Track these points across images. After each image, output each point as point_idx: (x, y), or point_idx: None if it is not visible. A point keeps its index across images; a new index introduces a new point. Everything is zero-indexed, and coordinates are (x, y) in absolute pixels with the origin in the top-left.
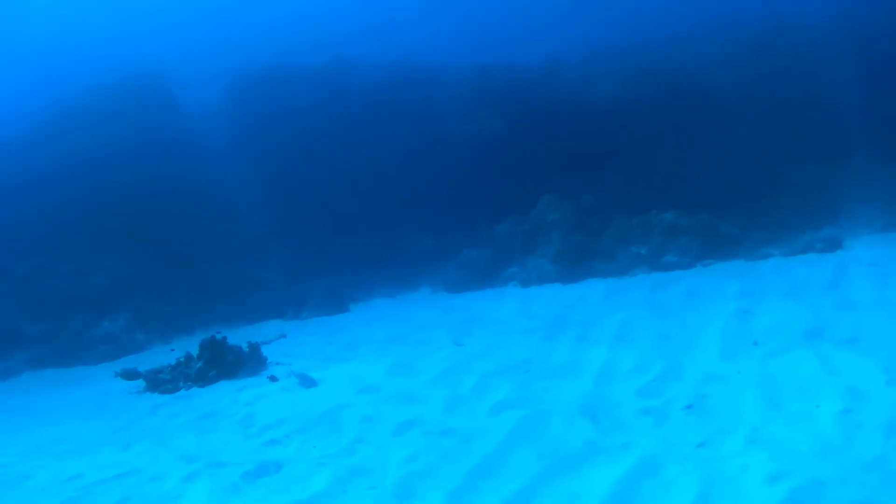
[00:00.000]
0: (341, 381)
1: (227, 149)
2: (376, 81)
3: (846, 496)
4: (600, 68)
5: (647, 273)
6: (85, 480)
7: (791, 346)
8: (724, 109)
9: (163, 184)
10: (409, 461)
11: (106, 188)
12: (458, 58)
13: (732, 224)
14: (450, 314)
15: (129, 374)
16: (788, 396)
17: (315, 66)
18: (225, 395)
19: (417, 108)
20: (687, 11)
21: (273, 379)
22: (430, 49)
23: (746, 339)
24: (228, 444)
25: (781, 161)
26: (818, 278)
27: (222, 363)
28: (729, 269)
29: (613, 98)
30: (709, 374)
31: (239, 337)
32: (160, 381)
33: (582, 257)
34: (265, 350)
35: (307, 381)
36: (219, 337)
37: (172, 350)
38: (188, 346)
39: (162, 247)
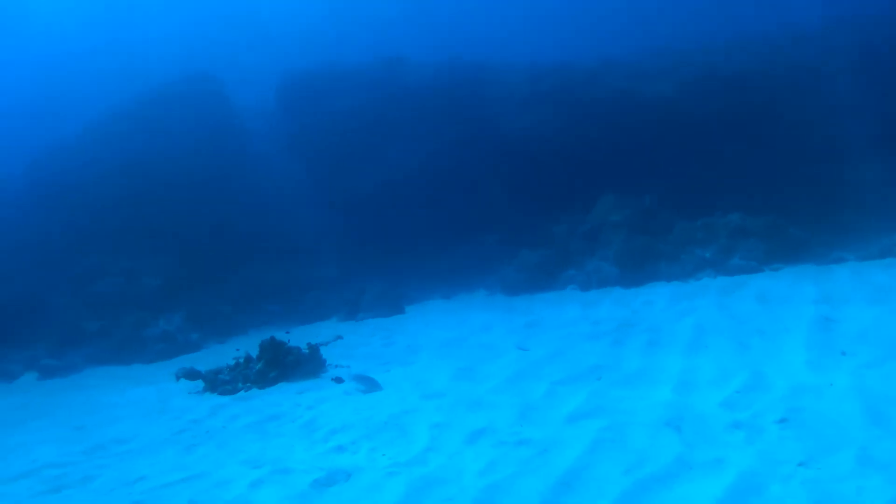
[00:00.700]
0: (404, 386)
1: (279, 148)
2: (429, 80)
3: None
4: (657, 67)
5: (713, 277)
6: (150, 483)
7: (886, 357)
8: (787, 109)
9: (215, 183)
10: (487, 472)
11: (159, 188)
12: (511, 56)
13: (800, 226)
14: (510, 317)
15: (190, 375)
16: (894, 412)
17: (366, 65)
18: (286, 397)
19: (470, 107)
20: (746, 11)
21: (338, 381)
22: (483, 48)
23: (832, 348)
24: (293, 449)
25: (849, 162)
26: None
27: (282, 364)
28: (800, 273)
29: (671, 97)
30: (797, 385)
31: (294, 337)
32: (220, 382)
33: (644, 260)
34: (323, 351)
35: (369, 385)
36: (279, 338)
37: (237, 350)
38: (242, 345)
39: (215, 246)
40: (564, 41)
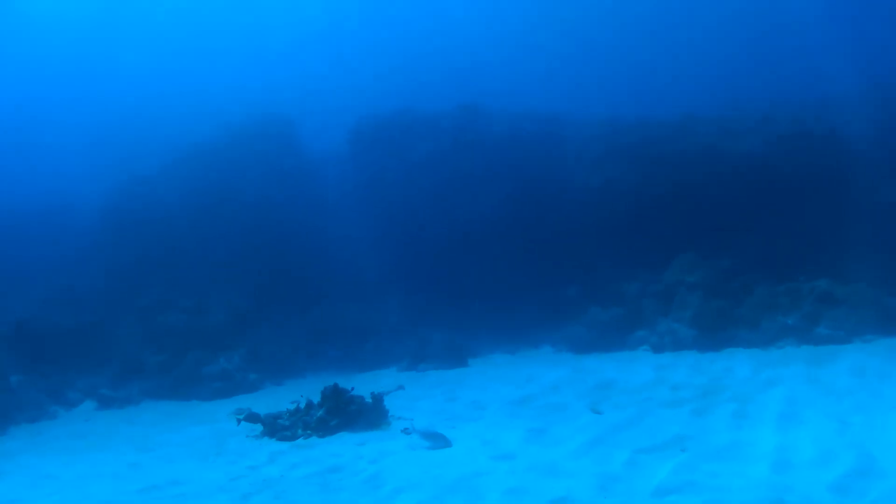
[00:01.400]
0: (472, 444)
1: (349, 192)
2: (504, 130)
3: None
4: (742, 123)
5: (796, 346)
6: None
7: None
8: (877, 174)
9: (283, 224)
10: None
11: (228, 226)
12: (588, 110)
13: (894, 296)
14: (580, 377)
15: (251, 418)
16: None
17: (441, 113)
18: (347, 447)
19: (545, 158)
20: (830, 71)
21: (406, 432)
22: (560, 101)
23: None
24: None
25: None
26: None
27: (344, 413)
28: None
29: (752, 156)
30: None
31: (353, 384)
32: (279, 427)
33: (722, 324)
34: (385, 402)
35: (435, 441)
36: (341, 385)
37: (301, 397)
38: (300, 388)
39: (278, 286)
40: (644, 96)
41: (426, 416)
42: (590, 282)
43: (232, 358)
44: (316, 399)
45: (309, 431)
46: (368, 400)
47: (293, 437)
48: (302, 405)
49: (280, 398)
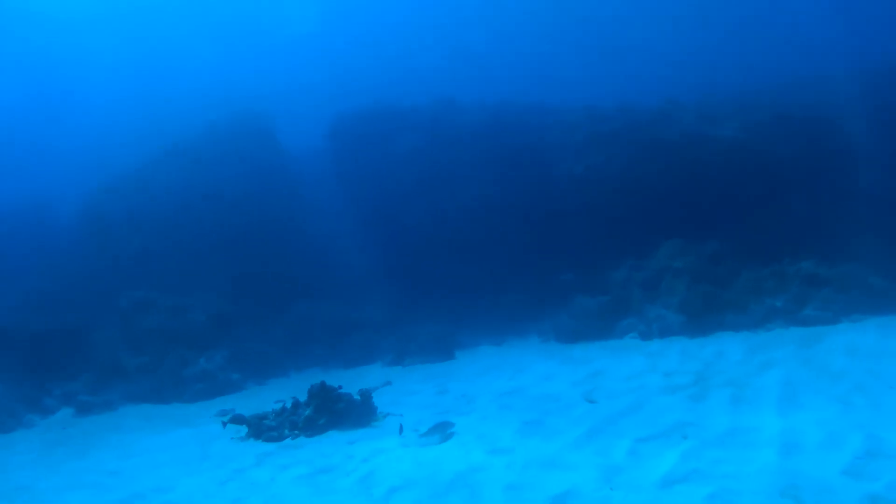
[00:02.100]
0: (466, 439)
1: (329, 188)
2: (483, 122)
3: None
4: (720, 110)
5: (785, 328)
6: None
7: None
8: (866, 151)
9: (265, 222)
10: None
11: (208, 225)
12: (568, 99)
13: (882, 276)
14: (570, 366)
15: (236, 420)
16: None
17: (419, 107)
18: (337, 447)
19: (525, 148)
20: (815, 54)
21: (393, 431)
22: (539, 89)
23: None
24: None
25: None
26: None
27: (332, 411)
28: (886, 325)
29: (735, 141)
30: None
31: (338, 381)
32: (265, 428)
33: (710, 308)
34: (373, 398)
35: (428, 437)
36: (328, 383)
37: (287, 397)
38: (283, 388)
39: (260, 285)
40: (624, 82)
41: (417, 411)
42: (575, 270)
43: (213, 358)
44: (302, 398)
45: (296, 431)
46: (356, 397)
47: (280, 438)
48: (288, 404)
49: (264, 398)
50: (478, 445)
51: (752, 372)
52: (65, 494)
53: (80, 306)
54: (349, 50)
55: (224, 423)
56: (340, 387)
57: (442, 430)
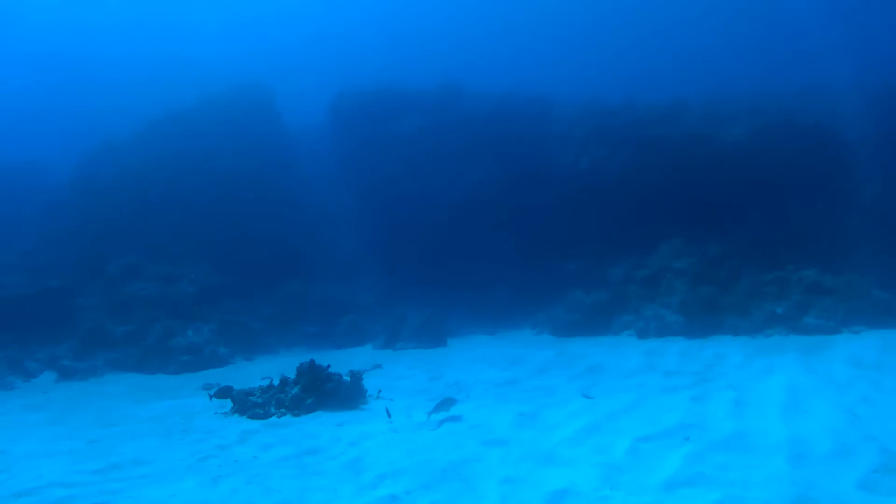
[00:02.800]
0: (459, 427)
1: (327, 166)
2: (487, 110)
3: None
4: (727, 112)
5: (785, 335)
6: None
7: None
8: (865, 166)
9: (259, 197)
10: None
11: (201, 196)
12: (574, 93)
13: (885, 289)
14: (565, 360)
15: (223, 392)
16: None
17: (423, 91)
18: (324, 428)
19: (528, 139)
20: (825, 63)
21: (388, 413)
22: (545, 81)
23: None
24: (338, 493)
25: None
26: None
27: (321, 391)
28: (887, 338)
29: (740, 144)
30: None
31: (327, 361)
32: (250, 404)
33: (709, 310)
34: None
35: (419, 423)
36: (318, 362)
37: (275, 374)
38: (271, 365)
39: (252, 260)
40: (631, 79)
41: (408, 397)
42: (573, 265)
43: (201, 330)
44: (290, 375)
45: (283, 410)
46: (346, 378)
47: (265, 416)
48: (275, 381)
49: (251, 374)
50: (471, 435)
51: (755, 376)
52: (40, 461)
53: (65, 270)
54: (357, 29)
55: (210, 396)
56: (329, 366)
57: (434, 418)
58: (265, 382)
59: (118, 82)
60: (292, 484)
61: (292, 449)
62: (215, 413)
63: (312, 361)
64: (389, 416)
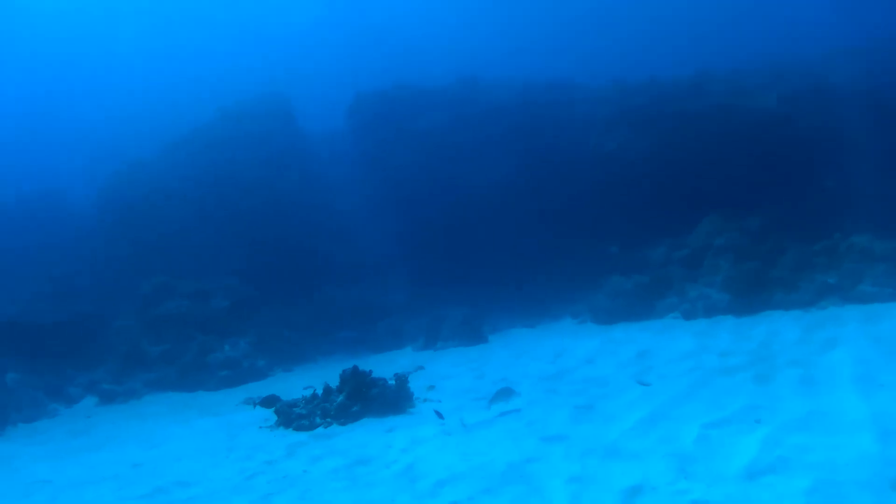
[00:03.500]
0: (515, 426)
1: (352, 170)
2: (507, 100)
3: None
4: (755, 81)
5: (840, 305)
6: None
7: None
8: None
9: (285, 207)
10: None
11: (228, 209)
12: (595, 72)
13: None
14: (612, 347)
15: (268, 402)
16: None
17: (443, 88)
18: (373, 436)
19: (553, 126)
20: (852, 26)
21: (438, 415)
22: (565, 64)
23: None
24: None
25: None
26: None
27: (366, 397)
28: None
29: (772, 112)
30: None
31: (368, 367)
32: (295, 416)
33: (757, 287)
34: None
35: (471, 424)
36: (360, 368)
37: (317, 383)
38: (311, 374)
39: (283, 270)
40: (653, 55)
41: (455, 398)
42: (609, 249)
43: (238, 344)
44: (332, 383)
45: (329, 419)
46: (391, 382)
47: (311, 427)
48: (318, 391)
49: (292, 385)
50: (527, 432)
51: (816, 351)
52: (85, 489)
53: (99, 294)
54: (370, 31)
55: (254, 404)
56: (372, 371)
57: (486, 417)
58: (308, 392)
59: (136, 105)
60: (346, 497)
61: (342, 460)
62: (259, 427)
63: (355, 367)
64: (441, 417)
